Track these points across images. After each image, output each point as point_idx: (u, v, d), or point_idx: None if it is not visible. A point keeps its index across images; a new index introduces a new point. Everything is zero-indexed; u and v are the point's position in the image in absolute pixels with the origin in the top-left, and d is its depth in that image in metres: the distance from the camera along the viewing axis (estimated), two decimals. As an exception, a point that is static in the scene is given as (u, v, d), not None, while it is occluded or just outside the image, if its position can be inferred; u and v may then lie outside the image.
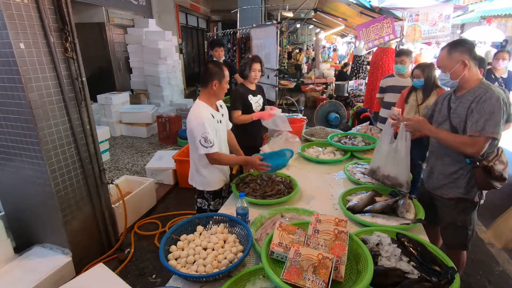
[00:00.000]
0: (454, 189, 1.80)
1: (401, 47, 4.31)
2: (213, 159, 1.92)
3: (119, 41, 7.12)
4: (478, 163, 1.66)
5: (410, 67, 3.31)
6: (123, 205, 2.82)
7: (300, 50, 14.87)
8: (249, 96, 2.68)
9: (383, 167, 1.93)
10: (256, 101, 2.73)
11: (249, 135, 2.73)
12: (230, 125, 2.29)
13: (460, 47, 1.66)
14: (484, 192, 1.81)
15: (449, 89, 1.97)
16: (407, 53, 3.25)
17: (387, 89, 3.38)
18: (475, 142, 1.60)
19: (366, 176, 2.13)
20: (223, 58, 4.42)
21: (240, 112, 2.61)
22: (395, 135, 1.92)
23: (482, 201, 1.82)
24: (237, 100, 2.63)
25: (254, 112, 2.68)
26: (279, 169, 2.07)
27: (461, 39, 1.76)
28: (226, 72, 1.97)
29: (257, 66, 2.64)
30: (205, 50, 11.24)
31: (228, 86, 2.01)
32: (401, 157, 1.85)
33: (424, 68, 2.72)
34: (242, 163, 2.10)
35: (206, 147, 1.85)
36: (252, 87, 2.74)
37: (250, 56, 2.70)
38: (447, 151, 1.79)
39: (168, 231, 1.44)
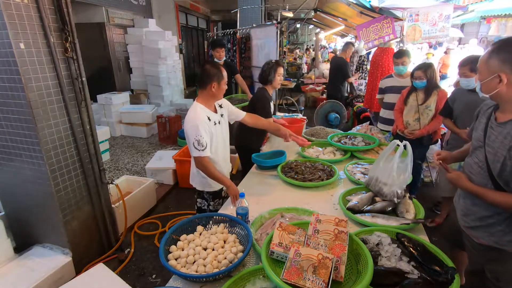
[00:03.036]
0: (486, 235, 1.41)
1: (401, 46, 4.31)
2: (201, 163, 1.88)
3: (119, 41, 7.11)
4: None
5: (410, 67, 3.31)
6: (123, 205, 2.82)
7: (307, 50, 15.05)
8: (270, 103, 2.63)
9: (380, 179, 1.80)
10: (271, 107, 2.71)
11: (256, 138, 2.72)
12: (243, 114, 2.22)
13: (503, 53, 1.22)
14: None
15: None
16: (408, 54, 3.27)
17: (387, 89, 3.38)
18: None
19: (366, 176, 2.13)
20: (224, 58, 4.42)
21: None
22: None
23: None
24: (265, 107, 2.57)
25: (273, 117, 2.67)
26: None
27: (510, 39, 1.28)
28: (225, 73, 1.95)
29: (281, 70, 2.57)
30: (205, 50, 11.22)
31: (226, 87, 1.99)
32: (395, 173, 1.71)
33: (426, 69, 2.72)
34: (226, 185, 1.93)
35: (199, 150, 1.84)
36: (270, 92, 2.66)
37: (274, 60, 2.63)
38: None
39: (168, 231, 1.44)
